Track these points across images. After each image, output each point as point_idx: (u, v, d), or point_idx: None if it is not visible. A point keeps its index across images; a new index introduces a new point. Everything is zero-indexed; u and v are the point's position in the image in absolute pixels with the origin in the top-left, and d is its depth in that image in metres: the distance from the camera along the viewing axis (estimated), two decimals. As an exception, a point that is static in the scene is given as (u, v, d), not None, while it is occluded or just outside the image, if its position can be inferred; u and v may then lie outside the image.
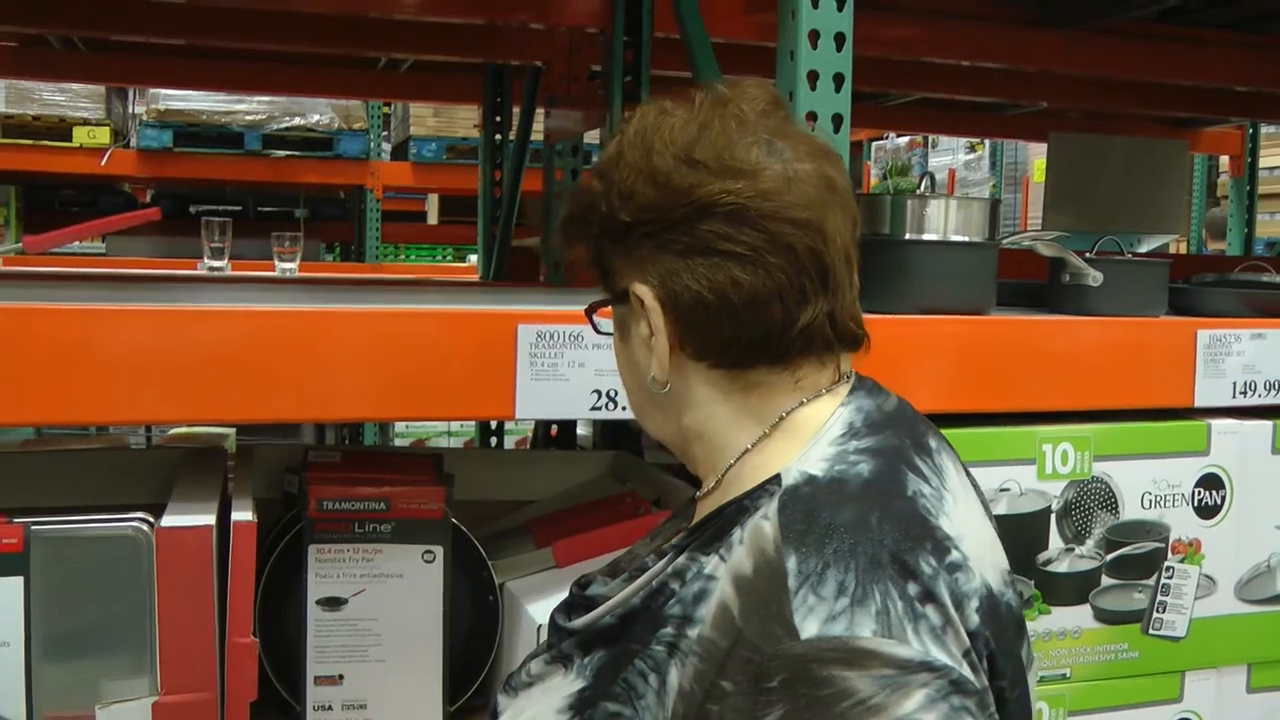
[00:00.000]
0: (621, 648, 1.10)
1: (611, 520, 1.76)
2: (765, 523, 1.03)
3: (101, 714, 1.39)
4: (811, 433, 1.11)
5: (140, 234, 6.64)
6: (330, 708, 1.59)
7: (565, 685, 1.14)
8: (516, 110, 3.66)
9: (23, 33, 4.03)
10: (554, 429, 3.11)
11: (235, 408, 1.45)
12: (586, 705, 1.10)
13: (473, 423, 4.71)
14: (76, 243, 7.47)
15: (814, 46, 1.62)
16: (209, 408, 1.44)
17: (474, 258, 5.36)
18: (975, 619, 1.04)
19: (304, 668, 1.58)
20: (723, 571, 1.03)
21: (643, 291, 1.12)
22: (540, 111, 3.42)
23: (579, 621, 1.16)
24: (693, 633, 1.02)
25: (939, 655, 0.97)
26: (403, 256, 8.76)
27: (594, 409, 1.53)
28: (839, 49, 1.63)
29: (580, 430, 3.20)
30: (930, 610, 1.00)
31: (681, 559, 1.09)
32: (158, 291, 1.93)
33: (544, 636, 1.32)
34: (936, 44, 3.09)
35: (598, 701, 1.09)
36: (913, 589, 1.00)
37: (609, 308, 1.20)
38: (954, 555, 1.05)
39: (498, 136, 3.78)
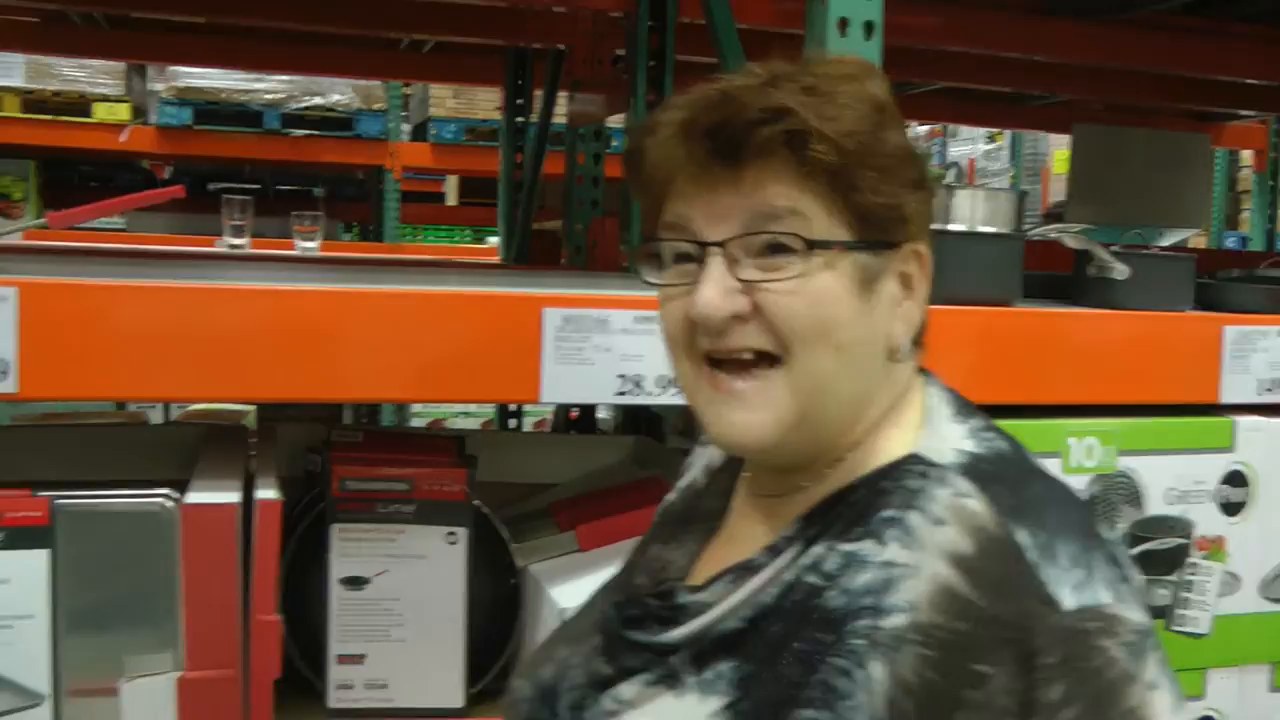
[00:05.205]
0: (764, 653, 1.00)
1: (636, 505, 1.75)
2: (967, 500, 0.98)
3: (126, 687, 1.40)
4: (917, 411, 1.08)
5: (160, 211, 6.65)
6: (352, 686, 1.59)
7: (694, 706, 1.01)
8: (538, 93, 3.66)
9: (44, 8, 4.03)
10: (573, 412, 3.11)
11: (256, 386, 1.45)
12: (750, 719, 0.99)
13: (491, 405, 4.71)
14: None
15: (843, 34, 1.61)
16: (229, 386, 1.44)
17: (493, 239, 5.36)
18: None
19: (327, 646, 1.59)
20: (915, 557, 0.97)
21: (925, 252, 1.07)
22: (563, 95, 3.42)
23: (681, 632, 1.05)
24: (894, 621, 0.95)
25: (1147, 617, 0.98)
26: (420, 237, 8.77)
27: (619, 394, 1.53)
28: (868, 37, 1.62)
29: (601, 414, 3.20)
30: (1127, 573, 1.00)
31: (817, 548, 1.02)
32: (180, 269, 1.93)
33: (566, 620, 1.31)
34: (951, 32, 3.07)
35: (783, 711, 0.96)
36: (1108, 554, 1.00)
37: (836, 249, 1.01)
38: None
39: (519, 119, 3.77)
